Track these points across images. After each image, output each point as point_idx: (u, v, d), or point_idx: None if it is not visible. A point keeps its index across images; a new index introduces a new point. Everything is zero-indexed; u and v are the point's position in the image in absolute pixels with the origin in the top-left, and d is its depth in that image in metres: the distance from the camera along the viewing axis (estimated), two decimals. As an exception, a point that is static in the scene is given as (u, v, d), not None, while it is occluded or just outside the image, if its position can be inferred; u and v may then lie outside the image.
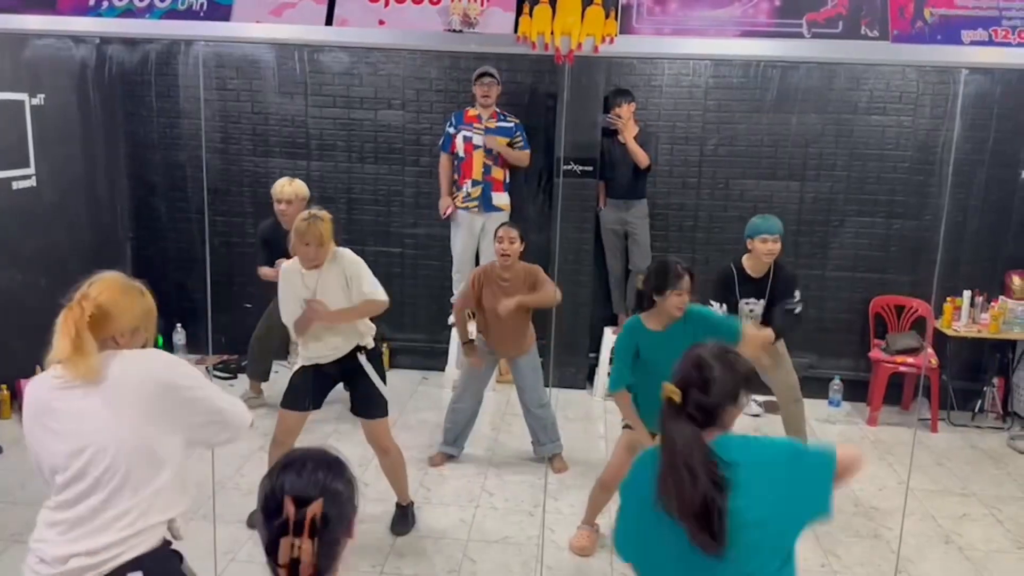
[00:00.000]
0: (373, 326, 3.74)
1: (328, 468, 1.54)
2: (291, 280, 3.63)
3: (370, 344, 3.70)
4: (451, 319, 5.78)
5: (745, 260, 4.39)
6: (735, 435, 1.93)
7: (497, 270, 4.38)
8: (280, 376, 5.77)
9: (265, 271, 4.89)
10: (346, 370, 3.68)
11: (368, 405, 3.72)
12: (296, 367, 3.76)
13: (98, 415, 1.95)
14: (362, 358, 3.65)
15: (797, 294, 4.34)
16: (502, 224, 4.55)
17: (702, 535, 1.77)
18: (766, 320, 4.35)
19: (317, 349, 3.65)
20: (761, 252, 4.28)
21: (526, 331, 4.45)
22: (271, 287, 4.78)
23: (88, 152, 5.64)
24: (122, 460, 1.95)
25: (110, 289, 2.05)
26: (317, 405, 3.79)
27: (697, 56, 5.15)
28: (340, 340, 3.63)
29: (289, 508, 1.46)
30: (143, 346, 2.12)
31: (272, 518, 1.47)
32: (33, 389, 2.03)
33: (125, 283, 2.10)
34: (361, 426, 3.78)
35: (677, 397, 1.88)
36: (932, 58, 3.20)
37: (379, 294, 3.61)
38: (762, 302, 4.36)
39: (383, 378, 3.74)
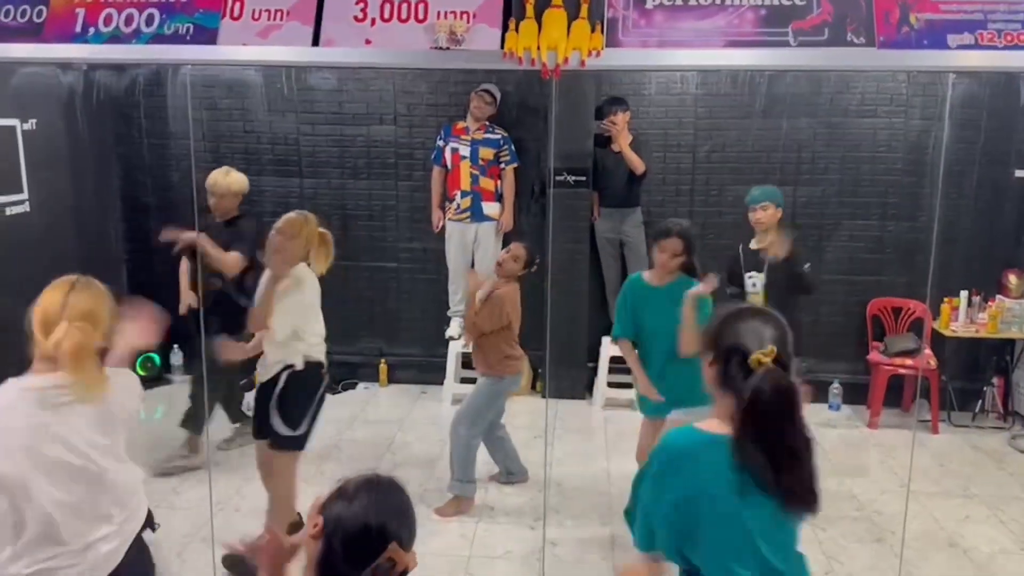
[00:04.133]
0: (315, 344, 3.46)
1: (413, 512, 1.55)
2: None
3: (297, 364, 3.39)
4: (448, 333, 5.78)
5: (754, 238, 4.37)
6: None
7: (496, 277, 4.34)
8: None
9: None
10: (266, 386, 3.40)
11: (267, 426, 3.39)
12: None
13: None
14: (283, 377, 3.37)
15: (804, 263, 4.18)
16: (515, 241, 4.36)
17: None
18: (771, 293, 4.19)
19: (262, 364, 3.50)
20: (752, 222, 4.28)
21: (489, 353, 4.17)
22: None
23: (80, 176, 5.63)
24: None
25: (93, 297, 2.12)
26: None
27: (684, 68, 5.16)
28: (272, 358, 3.41)
29: (403, 558, 1.46)
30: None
31: (365, 555, 1.45)
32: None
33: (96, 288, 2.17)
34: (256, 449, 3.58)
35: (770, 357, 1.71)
36: (919, 63, 3.20)
37: (280, 323, 3.35)
38: (762, 275, 4.25)
39: (296, 408, 3.38)
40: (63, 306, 2.04)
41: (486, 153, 5.54)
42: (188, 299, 4.72)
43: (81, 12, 3.09)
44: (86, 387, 2.01)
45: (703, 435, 1.78)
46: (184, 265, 4.78)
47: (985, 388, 5.57)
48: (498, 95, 5.55)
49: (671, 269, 3.68)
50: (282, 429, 3.35)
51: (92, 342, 2.05)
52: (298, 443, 3.40)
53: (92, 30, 3.08)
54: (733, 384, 1.74)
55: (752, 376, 1.69)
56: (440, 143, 5.64)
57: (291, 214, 3.49)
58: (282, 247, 3.36)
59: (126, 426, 2.19)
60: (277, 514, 3.48)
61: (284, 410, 3.34)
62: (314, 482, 3.89)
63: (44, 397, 2.01)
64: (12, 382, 2.05)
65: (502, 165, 5.62)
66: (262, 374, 3.49)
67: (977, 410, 5.53)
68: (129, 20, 3.07)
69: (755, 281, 4.29)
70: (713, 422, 1.79)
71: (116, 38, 3.08)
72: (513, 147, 5.62)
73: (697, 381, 3.56)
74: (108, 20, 3.07)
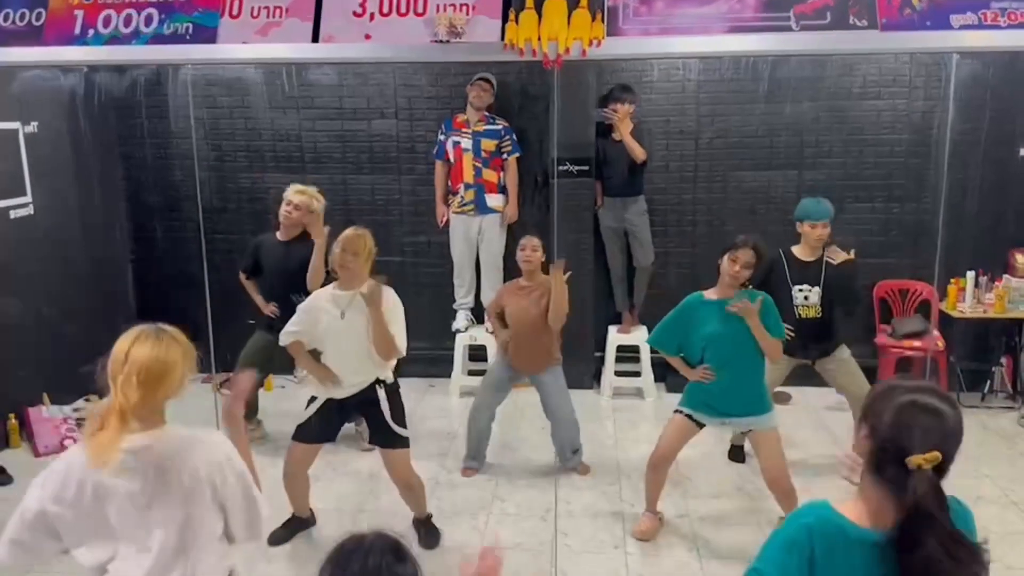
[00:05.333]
0: (394, 360, 3.67)
1: (393, 553, 1.48)
2: (319, 304, 3.59)
3: (389, 378, 3.65)
4: (454, 326, 5.78)
5: (795, 247, 4.40)
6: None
7: (519, 281, 4.39)
8: (285, 392, 5.78)
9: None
10: (363, 401, 3.62)
11: (385, 435, 3.65)
12: (311, 402, 3.67)
13: None
14: (380, 392, 3.61)
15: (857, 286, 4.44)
16: (525, 235, 4.47)
17: None
18: (824, 309, 4.30)
19: (335, 391, 3.61)
20: (811, 237, 4.29)
21: (550, 348, 4.37)
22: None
23: (84, 178, 5.63)
24: None
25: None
26: (331, 438, 3.77)
27: (685, 55, 5.13)
28: (359, 377, 3.59)
29: None
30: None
31: None
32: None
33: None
34: (381, 456, 3.75)
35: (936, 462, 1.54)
36: (922, 44, 3.19)
37: (402, 339, 3.54)
38: (817, 289, 4.29)
39: (402, 412, 3.67)
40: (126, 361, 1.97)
41: (488, 145, 5.53)
42: (268, 310, 4.77)
43: (80, 14, 3.09)
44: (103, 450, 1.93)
45: (851, 528, 1.58)
46: (246, 279, 4.89)
47: (994, 368, 5.56)
48: (495, 82, 5.54)
49: (742, 280, 3.65)
50: (401, 432, 3.66)
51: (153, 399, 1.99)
52: (408, 439, 3.74)
53: (91, 32, 3.07)
54: (885, 474, 1.57)
55: (911, 478, 1.51)
56: (441, 137, 5.63)
57: (349, 231, 3.57)
58: (351, 263, 3.51)
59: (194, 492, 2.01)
60: (418, 499, 3.83)
61: (396, 417, 3.64)
62: (323, 476, 3.91)
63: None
64: None
65: (504, 156, 5.60)
66: (338, 391, 3.59)
67: (986, 390, 5.52)
68: (128, 21, 3.07)
69: (808, 295, 4.29)
70: (852, 507, 1.62)
71: (116, 39, 3.08)
72: (515, 137, 5.60)
73: (755, 390, 3.65)
74: (107, 21, 3.07)
